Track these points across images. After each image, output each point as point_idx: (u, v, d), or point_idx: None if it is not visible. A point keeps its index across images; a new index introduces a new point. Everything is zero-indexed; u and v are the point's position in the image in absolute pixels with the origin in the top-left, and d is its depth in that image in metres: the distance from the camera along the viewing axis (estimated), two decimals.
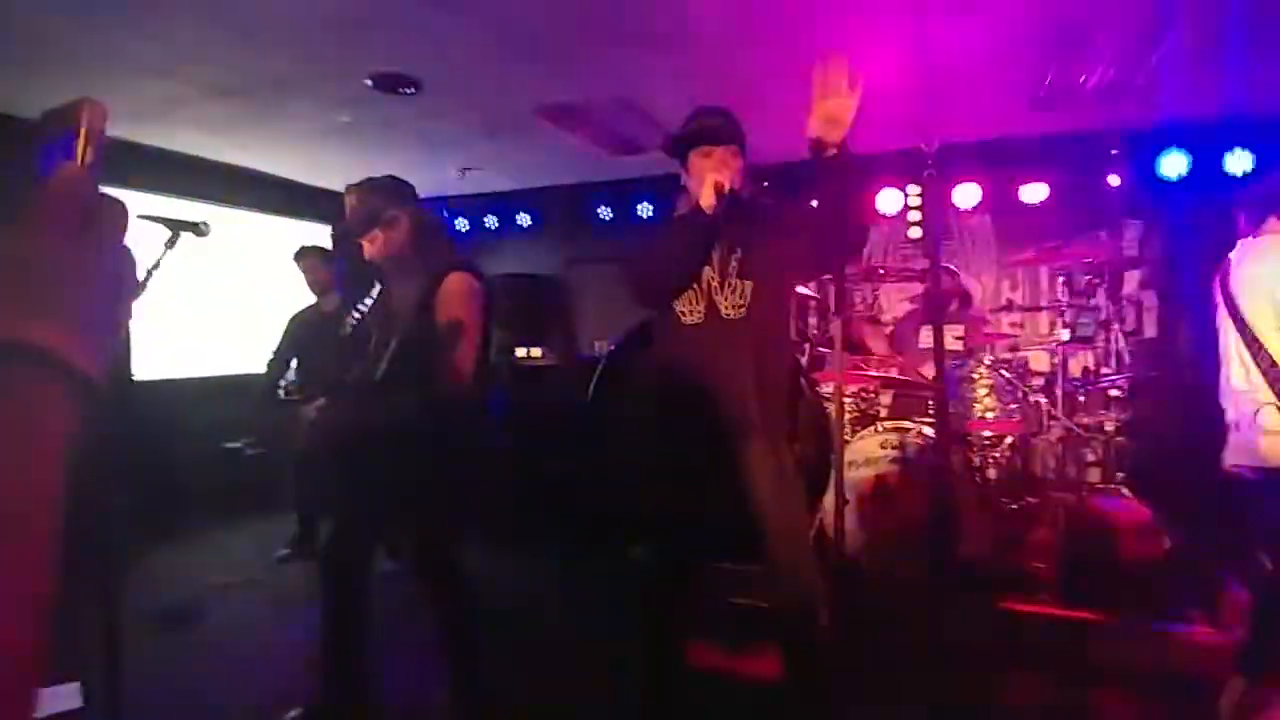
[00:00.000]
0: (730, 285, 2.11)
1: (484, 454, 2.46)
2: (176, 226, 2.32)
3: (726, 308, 2.10)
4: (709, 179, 2.00)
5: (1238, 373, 2.20)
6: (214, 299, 5.27)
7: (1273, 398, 2.08)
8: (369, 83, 3.66)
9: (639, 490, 2.46)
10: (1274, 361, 2.08)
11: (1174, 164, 4.35)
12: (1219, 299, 2.29)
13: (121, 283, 0.47)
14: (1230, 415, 2.28)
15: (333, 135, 4.61)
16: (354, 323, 2.43)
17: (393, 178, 2.34)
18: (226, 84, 3.73)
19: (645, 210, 5.60)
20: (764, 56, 3.51)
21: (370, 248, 2.28)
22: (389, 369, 2.21)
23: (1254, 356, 2.12)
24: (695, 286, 2.13)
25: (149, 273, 2.30)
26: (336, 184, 5.95)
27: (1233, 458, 2.26)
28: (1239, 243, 2.30)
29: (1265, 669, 2.23)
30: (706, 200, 1.99)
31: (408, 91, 3.75)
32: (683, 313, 2.14)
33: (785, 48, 3.40)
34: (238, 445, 5.04)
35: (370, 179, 2.32)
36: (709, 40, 3.31)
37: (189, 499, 4.71)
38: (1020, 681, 2.68)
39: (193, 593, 3.56)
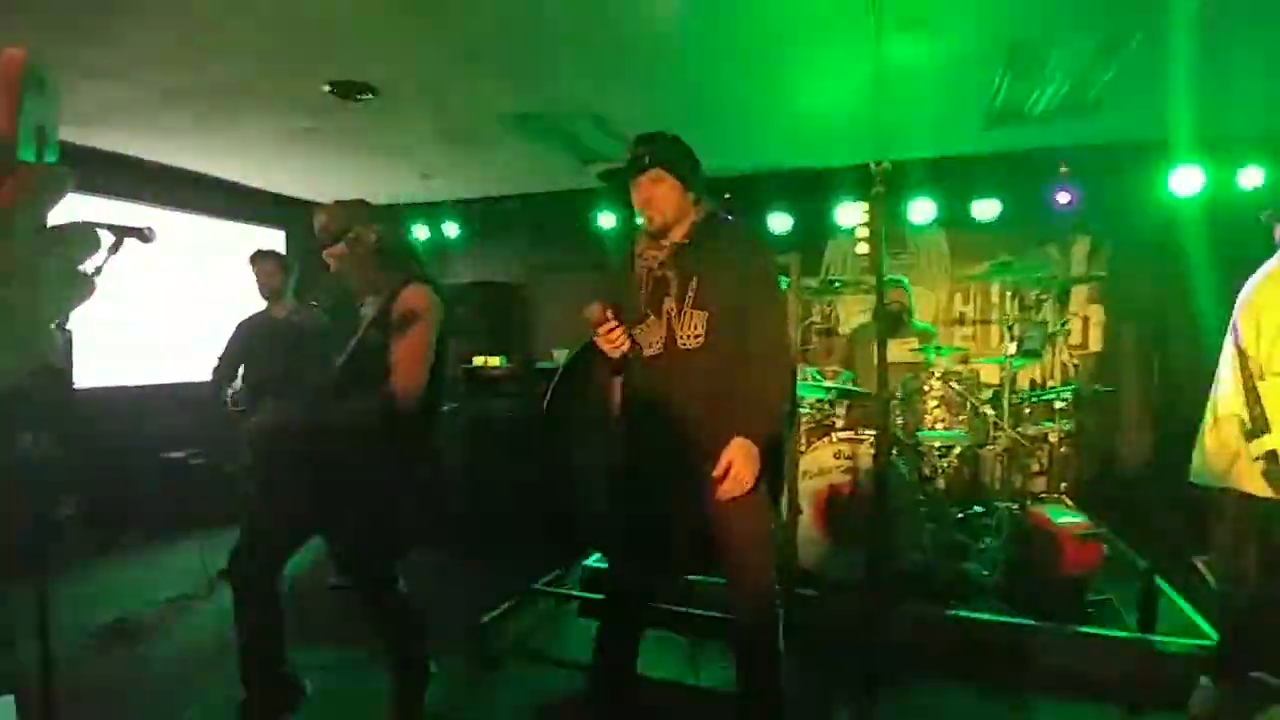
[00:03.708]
0: (686, 315, 2.11)
1: (435, 465, 2.45)
2: (121, 232, 2.29)
3: (684, 338, 2.11)
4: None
5: (1224, 376, 2.21)
6: (160, 305, 5.16)
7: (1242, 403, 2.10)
8: (327, 88, 3.63)
9: (598, 507, 2.49)
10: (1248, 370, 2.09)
11: (1122, 182, 4.49)
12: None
13: (65, 262, 0.42)
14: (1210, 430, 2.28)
15: (290, 141, 4.56)
16: (309, 329, 2.45)
17: (361, 200, 2.41)
18: (180, 88, 3.67)
19: (608, 220, 5.61)
20: (725, 71, 3.56)
21: (335, 262, 2.33)
22: (339, 378, 2.22)
23: (1239, 363, 2.12)
24: (655, 317, 2.14)
25: (94, 275, 2.28)
26: (293, 190, 5.91)
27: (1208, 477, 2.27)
28: None
29: (1232, 672, 2.30)
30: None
31: (366, 98, 3.73)
32: (643, 345, 2.16)
33: (745, 63, 3.47)
34: (181, 455, 4.92)
35: (339, 200, 2.39)
36: (671, 54, 3.35)
37: (131, 511, 4.59)
38: (963, 686, 2.75)
39: (134, 607, 3.47)
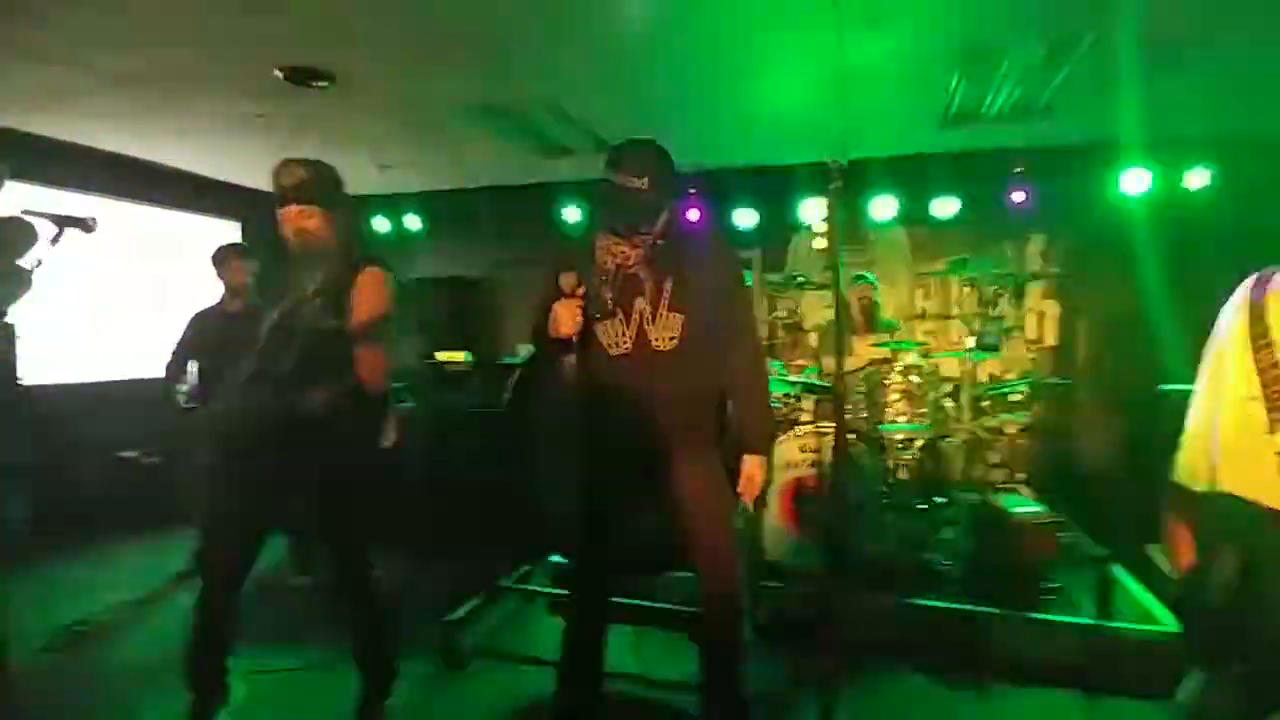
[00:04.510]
0: (661, 316, 2.09)
1: (395, 458, 2.39)
2: (62, 222, 2.20)
3: (658, 340, 2.09)
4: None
5: (1238, 382, 2.00)
6: (112, 299, 4.97)
7: (1260, 394, 1.90)
8: (280, 75, 3.52)
9: (560, 506, 2.46)
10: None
11: (1074, 182, 4.60)
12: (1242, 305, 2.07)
13: None
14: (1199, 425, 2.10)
15: (242, 128, 4.42)
16: (266, 319, 2.30)
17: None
18: (128, 72, 3.53)
19: (574, 214, 5.57)
20: (689, 67, 3.56)
21: (302, 228, 2.14)
22: (298, 365, 2.12)
23: (1255, 356, 1.93)
24: (621, 317, 2.10)
25: (32, 269, 2.17)
26: (245, 179, 5.74)
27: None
28: None
29: (1214, 660, 2.28)
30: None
31: (321, 85, 3.63)
32: (608, 345, 2.12)
33: (709, 59, 3.47)
34: (134, 454, 4.76)
35: (320, 161, 2.21)
36: (636, 49, 3.33)
37: (82, 511, 4.42)
38: (925, 674, 2.80)
39: (88, 611, 3.34)
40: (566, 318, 2.05)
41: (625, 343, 2.11)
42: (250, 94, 3.84)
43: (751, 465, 2.20)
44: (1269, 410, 1.87)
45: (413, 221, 6.04)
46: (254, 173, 5.56)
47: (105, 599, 3.50)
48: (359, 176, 5.52)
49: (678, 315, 2.08)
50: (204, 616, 2.17)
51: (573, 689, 2.32)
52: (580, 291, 2.06)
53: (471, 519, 3.89)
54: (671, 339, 2.09)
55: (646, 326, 2.09)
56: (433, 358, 5.25)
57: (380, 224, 6.04)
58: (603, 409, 2.19)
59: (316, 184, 2.15)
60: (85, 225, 2.17)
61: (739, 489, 2.18)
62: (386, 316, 2.16)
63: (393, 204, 6.01)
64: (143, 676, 2.81)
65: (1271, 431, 1.87)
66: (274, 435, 2.13)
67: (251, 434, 2.17)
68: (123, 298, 5.05)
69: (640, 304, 2.09)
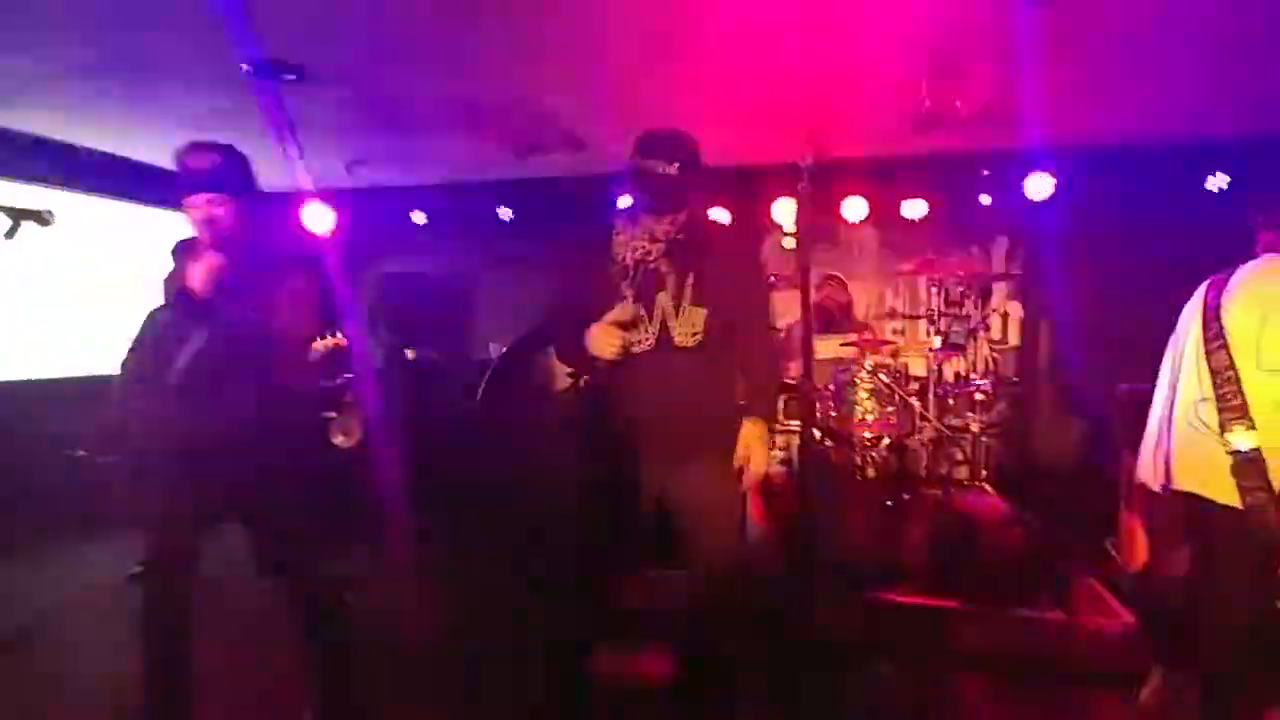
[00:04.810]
0: (685, 312, 2.06)
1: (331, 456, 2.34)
2: (17, 215, 2.13)
3: (680, 335, 2.06)
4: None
5: (1188, 370, 2.09)
6: (67, 294, 4.84)
7: (1212, 395, 1.97)
8: (246, 67, 3.46)
9: (560, 507, 2.41)
10: (1231, 365, 1.95)
11: (1038, 185, 4.70)
12: (1197, 309, 2.12)
13: None
14: (1158, 426, 2.20)
15: (207, 121, 4.32)
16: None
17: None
18: (89, 62, 3.44)
19: (543, 212, 5.55)
20: (662, 65, 3.56)
21: (212, 218, 2.03)
22: (215, 366, 2.05)
23: (1209, 359, 2.00)
24: (643, 313, 2.06)
25: None
26: None
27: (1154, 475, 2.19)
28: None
29: (1174, 659, 2.29)
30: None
31: (289, 79, 3.57)
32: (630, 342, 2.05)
33: (682, 56, 3.47)
34: (85, 454, 4.63)
35: (230, 146, 2.09)
36: (609, 47, 3.33)
37: (32, 511, 4.30)
38: (892, 669, 2.84)
39: (32, 612, 3.26)
40: (605, 345, 2.01)
41: (648, 339, 2.06)
42: (215, 87, 3.76)
43: (750, 432, 2.07)
44: (1221, 411, 1.93)
45: (383, 217, 5.96)
46: None
47: (53, 600, 3.41)
48: (328, 171, 5.45)
49: (700, 310, 2.05)
50: (165, 619, 2.12)
51: (556, 684, 2.26)
52: (627, 321, 2.01)
53: (441, 521, 3.86)
54: (694, 335, 2.06)
55: (669, 322, 2.05)
56: (403, 355, 5.19)
57: (349, 219, 5.95)
58: (619, 407, 2.10)
59: (227, 170, 2.05)
60: (42, 218, 2.11)
61: (736, 461, 2.08)
62: (310, 312, 2.13)
63: (364, 199, 5.92)
64: (89, 683, 2.74)
65: (1224, 432, 1.92)
66: (199, 437, 2.04)
67: (178, 435, 2.08)
68: (81, 293, 4.92)
69: (663, 299, 2.06)
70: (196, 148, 2.05)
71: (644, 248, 2.08)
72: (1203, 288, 2.15)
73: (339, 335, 2.53)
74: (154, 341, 2.13)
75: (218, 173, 2.03)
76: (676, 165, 2.02)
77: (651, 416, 2.06)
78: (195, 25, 3.07)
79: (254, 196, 2.11)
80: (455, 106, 4.11)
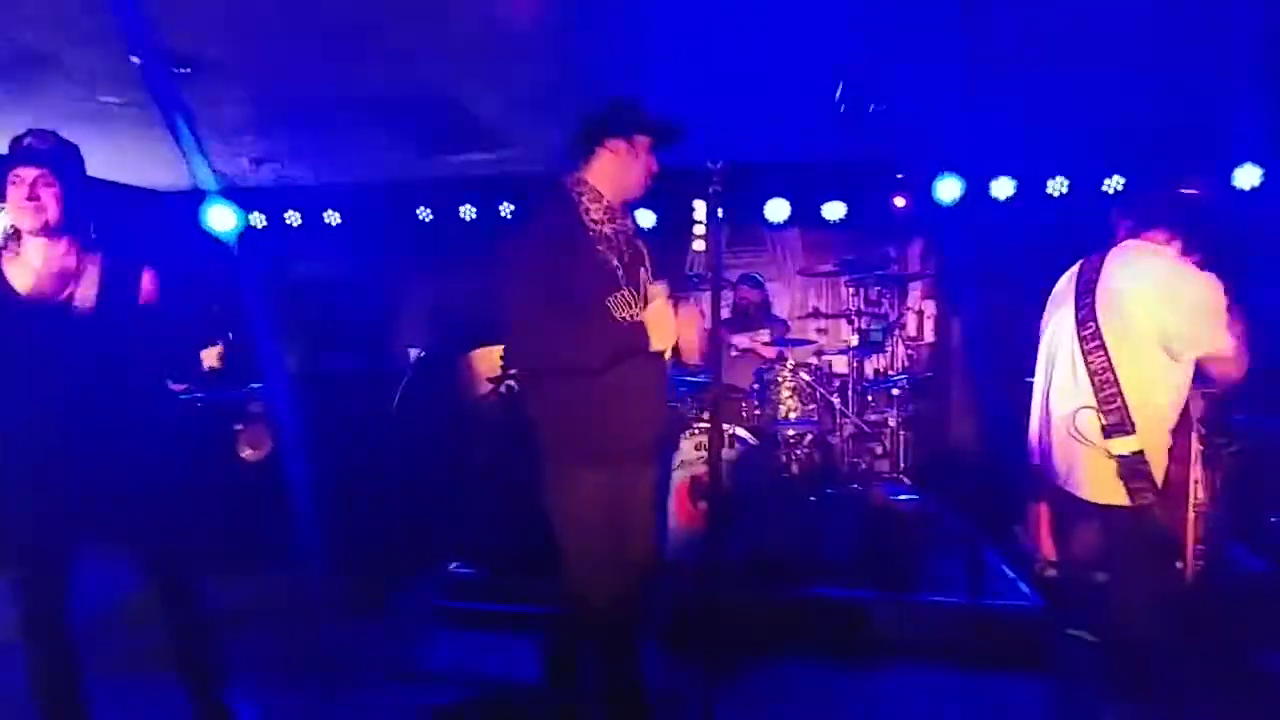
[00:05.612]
0: (653, 286, 2.03)
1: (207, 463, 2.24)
2: None
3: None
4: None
5: (1064, 372, 2.09)
6: None
7: (1092, 401, 1.97)
8: (136, 60, 3.24)
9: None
10: (1110, 368, 1.95)
11: (948, 188, 4.87)
12: (1068, 299, 2.13)
13: None
14: (1038, 413, 2.23)
15: (101, 117, 4.04)
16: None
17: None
18: None
19: (468, 213, 5.42)
20: (585, 63, 3.53)
21: (41, 204, 1.91)
22: (71, 364, 1.94)
23: (1086, 359, 2.00)
24: (631, 289, 1.97)
25: None
26: (105, 172, 5.26)
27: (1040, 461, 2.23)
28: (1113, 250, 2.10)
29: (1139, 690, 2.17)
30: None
31: (181, 71, 3.37)
32: (623, 319, 1.94)
33: (606, 56, 3.45)
34: None
35: (62, 137, 2.00)
36: (531, 45, 3.27)
37: None
38: (815, 661, 2.89)
39: None
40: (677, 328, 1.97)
41: (639, 316, 1.96)
42: (106, 81, 3.52)
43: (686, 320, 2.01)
44: (1103, 416, 1.95)
45: (292, 218, 5.71)
46: (114, 166, 5.12)
47: None
48: (229, 170, 5.17)
49: (660, 284, 2.04)
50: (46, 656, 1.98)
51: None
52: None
53: (360, 529, 3.71)
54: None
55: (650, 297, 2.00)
56: (319, 362, 4.99)
57: (256, 220, 5.68)
58: (627, 387, 1.91)
59: (63, 154, 1.98)
60: None
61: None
62: (187, 317, 2.11)
63: (269, 200, 5.65)
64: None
65: (1108, 437, 1.95)
66: (59, 441, 1.94)
67: (38, 439, 1.96)
68: None
69: (643, 274, 2.02)
70: (31, 133, 1.97)
71: (624, 224, 2.04)
72: (1071, 272, 2.16)
73: (224, 344, 2.41)
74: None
75: (54, 153, 1.95)
76: None
77: (659, 399, 2.04)
78: (80, 16, 2.87)
79: (86, 193, 2.03)
80: (370, 103, 3.96)
